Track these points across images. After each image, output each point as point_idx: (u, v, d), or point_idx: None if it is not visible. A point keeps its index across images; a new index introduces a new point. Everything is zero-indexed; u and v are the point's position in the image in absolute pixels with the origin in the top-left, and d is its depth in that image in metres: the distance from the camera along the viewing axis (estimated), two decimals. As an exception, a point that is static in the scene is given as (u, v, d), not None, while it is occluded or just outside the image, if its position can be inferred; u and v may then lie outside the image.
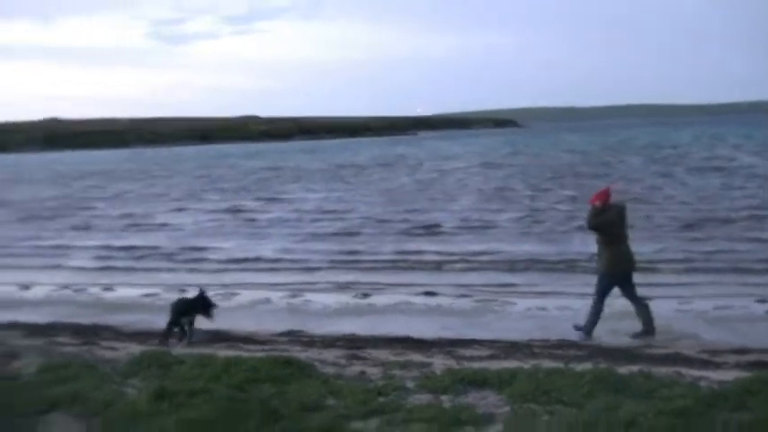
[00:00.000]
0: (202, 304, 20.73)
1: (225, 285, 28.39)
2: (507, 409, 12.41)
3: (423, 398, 13.36)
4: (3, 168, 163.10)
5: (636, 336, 19.92)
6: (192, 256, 36.02)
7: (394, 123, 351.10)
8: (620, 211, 20.25)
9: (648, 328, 19.97)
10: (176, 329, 20.35)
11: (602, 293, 20.12)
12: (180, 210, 59.20)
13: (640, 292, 20.89)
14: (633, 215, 25.05)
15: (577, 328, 20.41)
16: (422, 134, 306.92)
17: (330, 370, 15.93)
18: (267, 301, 26.01)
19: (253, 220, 50.10)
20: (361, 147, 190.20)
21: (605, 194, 20.33)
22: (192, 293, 21.56)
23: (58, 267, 35.44)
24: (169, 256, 36.41)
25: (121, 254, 37.39)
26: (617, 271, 20.03)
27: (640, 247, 27.75)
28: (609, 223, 19.94)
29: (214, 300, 21.11)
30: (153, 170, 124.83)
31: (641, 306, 20.13)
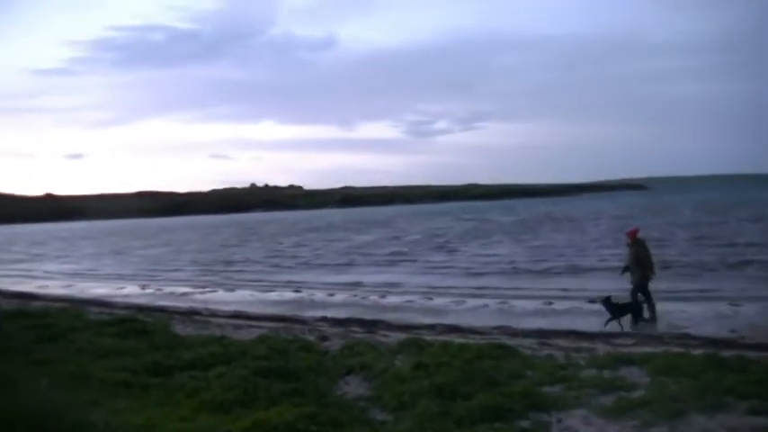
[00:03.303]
0: (634, 309, 21.29)
1: (458, 296, 28.43)
2: (647, 379, 12.29)
3: (590, 371, 13.31)
4: (320, 217, 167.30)
5: (646, 320, 21.11)
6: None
7: (564, 188, 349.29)
8: (643, 245, 21.88)
9: (652, 317, 21.21)
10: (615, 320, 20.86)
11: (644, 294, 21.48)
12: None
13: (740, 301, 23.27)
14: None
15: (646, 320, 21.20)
16: (584, 195, 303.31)
17: (528, 352, 15.85)
18: (486, 306, 25.91)
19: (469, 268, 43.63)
20: (542, 204, 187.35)
21: (631, 233, 22.29)
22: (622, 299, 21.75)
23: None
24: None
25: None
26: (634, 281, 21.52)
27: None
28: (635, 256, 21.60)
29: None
30: (402, 219, 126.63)
31: (651, 305, 21.41)
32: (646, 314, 21.30)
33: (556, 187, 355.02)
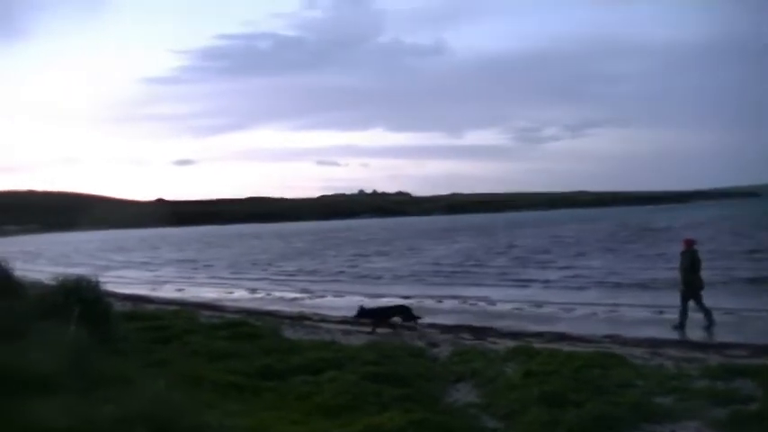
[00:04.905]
0: (400, 312, 23.07)
1: (567, 304, 28.18)
2: (762, 392, 12.08)
3: (703, 382, 13.16)
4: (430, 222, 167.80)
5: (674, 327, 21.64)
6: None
7: (674, 195, 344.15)
8: (689, 255, 22.36)
9: (682, 324, 21.74)
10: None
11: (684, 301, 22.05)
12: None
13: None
14: None
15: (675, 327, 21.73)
16: (695, 202, 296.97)
17: (638, 361, 15.73)
18: (594, 314, 25.72)
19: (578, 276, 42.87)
20: (651, 212, 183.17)
21: (685, 243, 23.00)
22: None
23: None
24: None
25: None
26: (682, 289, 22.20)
27: None
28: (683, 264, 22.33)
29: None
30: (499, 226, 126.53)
31: (685, 313, 21.91)
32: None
33: (665, 194, 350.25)
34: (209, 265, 64.25)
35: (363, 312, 22.85)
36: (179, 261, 72.57)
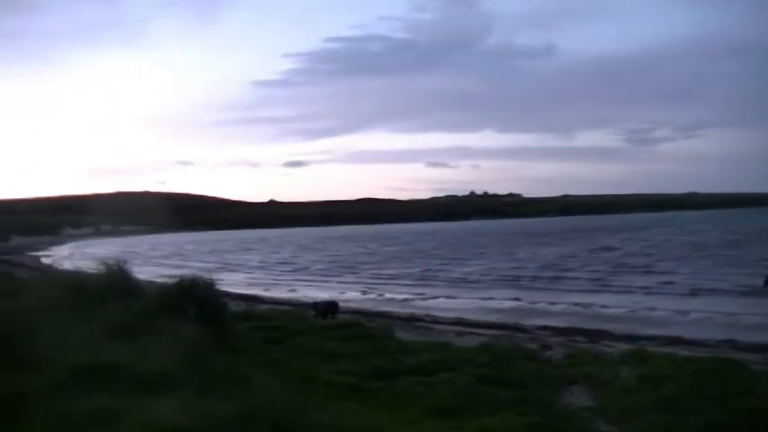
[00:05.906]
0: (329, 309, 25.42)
1: (681, 311, 27.71)
2: None
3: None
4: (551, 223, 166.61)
5: None
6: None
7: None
8: None
9: None
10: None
11: None
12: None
13: None
14: None
15: None
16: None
17: (756, 367, 15.42)
18: (709, 318, 25.40)
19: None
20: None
21: None
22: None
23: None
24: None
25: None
26: None
27: None
28: None
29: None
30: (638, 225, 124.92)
31: None
32: None
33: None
34: (303, 268, 64.07)
35: (323, 308, 25.53)
36: (278, 263, 72.36)
